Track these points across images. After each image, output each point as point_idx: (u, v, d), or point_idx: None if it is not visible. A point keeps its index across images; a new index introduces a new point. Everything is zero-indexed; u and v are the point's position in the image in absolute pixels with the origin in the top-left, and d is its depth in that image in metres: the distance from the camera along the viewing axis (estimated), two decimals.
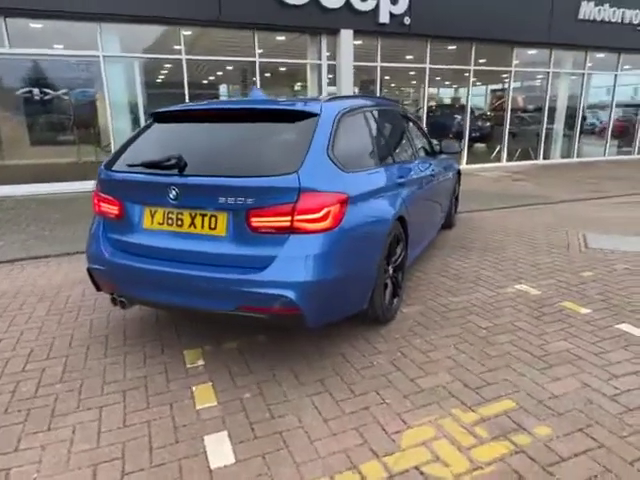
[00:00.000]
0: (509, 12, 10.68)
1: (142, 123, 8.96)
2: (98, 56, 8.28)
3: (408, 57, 10.97)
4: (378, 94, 10.45)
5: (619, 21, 11.97)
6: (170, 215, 2.60)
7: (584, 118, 13.58)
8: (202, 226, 2.53)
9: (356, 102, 3.23)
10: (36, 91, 8.32)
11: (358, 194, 2.64)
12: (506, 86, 12.09)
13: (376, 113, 3.48)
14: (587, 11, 11.51)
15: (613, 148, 14.22)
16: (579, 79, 12.86)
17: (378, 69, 10.32)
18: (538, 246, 5.01)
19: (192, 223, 2.55)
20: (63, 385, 2.56)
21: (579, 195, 8.13)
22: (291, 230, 2.37)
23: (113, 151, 3.01)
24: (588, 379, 2.47)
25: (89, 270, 2.91)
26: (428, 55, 10.70)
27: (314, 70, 10.03)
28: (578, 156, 13.47)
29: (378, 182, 2.99)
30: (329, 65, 9.87)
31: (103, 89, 8.45)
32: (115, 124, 8.69)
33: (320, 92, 9.97)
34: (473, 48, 11.10)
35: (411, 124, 4.42)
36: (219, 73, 11.03)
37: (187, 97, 8.93)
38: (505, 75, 12.31)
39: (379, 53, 10.23)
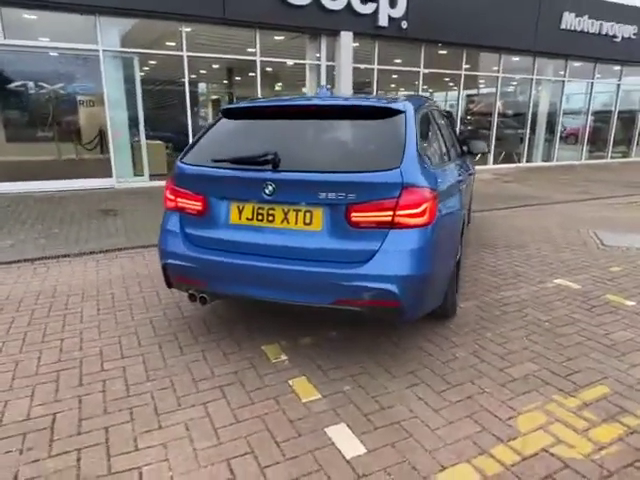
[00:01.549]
0: (499, 20, 11.05)
1: (143, 121, 8.76)
2: (97, 50, 8.03)
3: (401, 61, 11.16)
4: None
5: (597, 32, 12.60)
6: (260, 211, 2.60)
7: (562, 124, 14.20)
8: (296, 221, 2.54)
9: (417, 101, 3.31)
10: (31, 84, 7.99)
11: (442, 190, 2.71)
12: (486, 91, 12.50)
13: (433, 112, 3.57)
14: (569, 21, 12.06)
15: (587, 153, 14.92)
16: (559, 86, 13.45)
17: (375, 71, 10.47)
18: (557, 244, 5.24)
19: (285, 218, 2.55)
20: (153, 384, 2.50)
21: (573, 196, 8.52)
22: (391, 225, 2.41)
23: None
24: None
25: (165, 266, 2.85)
26: (422, 59, 10.95)
27: (313, 71, 10.07)
28: (557, 160, 14.07)
29: (451, 179, 3.08)
30: (328, 66, 9.92)
31: (102, 84, 8.20)
32: (112, 120, 8.45)
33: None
34: (464, 54, 11.44)
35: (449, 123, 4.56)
36: (213, 68, 10.90)
37: (188, 94, 8.79)
38: (482, 80, 12.79)
39: (376, 56, 10.38)
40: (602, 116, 15.11)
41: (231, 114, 3.01)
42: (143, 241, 5.20)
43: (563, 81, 13.34)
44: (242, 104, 3.07)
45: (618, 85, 14.43)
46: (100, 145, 8.91)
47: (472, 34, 10.88)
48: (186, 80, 8.77)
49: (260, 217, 2.61)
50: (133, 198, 7.79)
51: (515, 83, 13.61)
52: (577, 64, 13.39)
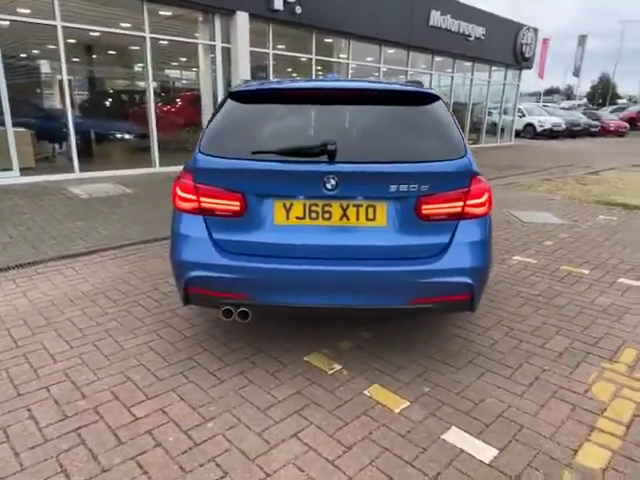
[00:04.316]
0: (381, 14, 11.59)
1: (7, 103, 7.14)
2: None
3: (295, 46, 11.01)
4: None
5: (456, 31, 14.05)
6: (314, 208, 2.31)
7: None
8: (357, 218, 2.32)
9: None
10: None
11: None
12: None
13: None
14: (435, 19, 13.21)
15: None
16: (427, 79, 14.71)
17: (270, 56, 10.15)
18: None
19: (344, 215, 2.31)
20: (216, 425, 2.08)
21: None
22: (461, 216, 2.36)
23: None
24: None
25: (189, 281, 2.37)
26: (314, 46, 10.96)
27: (207, 52, 9.35)
28: None
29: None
30: (223, 48, 9.30)
31: None
32: None
33: (215, 75, 9.35)
34: (350, 44, 11.76)
35: None
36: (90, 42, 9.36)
37: (64, 72, 7.43)
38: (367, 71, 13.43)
39: (271, 40, 10.06)
40: (460, 107, 16.99)
41: (247, 98, 2.59)
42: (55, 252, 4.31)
43: (430, 74, 14.64)
44: (261, 86, 2.67)
45: (471, 80, 16.37)
46: None
47: (357, 25, 11.23)
48: (62, 56, 7.38)
49: (314, 215, 2.31)
50: (8, 199, 6.37)
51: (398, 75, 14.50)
52: (439, 59, 14.80)
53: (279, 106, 2.57)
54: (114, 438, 1.97)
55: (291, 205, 2.31)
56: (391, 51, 13.24)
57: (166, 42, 8.73)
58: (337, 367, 2.54)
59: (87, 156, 8.38)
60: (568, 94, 65.54)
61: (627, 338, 2.88)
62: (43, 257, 4.20)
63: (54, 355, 2.62)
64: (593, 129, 24.06)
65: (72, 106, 7.76)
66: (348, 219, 2.32)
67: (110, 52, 9.01)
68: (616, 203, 7.10)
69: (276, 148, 2.27)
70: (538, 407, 2.22)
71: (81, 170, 7.92)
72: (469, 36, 14.53)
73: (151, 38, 8.32)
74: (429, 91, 2.61)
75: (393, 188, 2.26)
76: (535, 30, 17.44)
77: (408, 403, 2.24)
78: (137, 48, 8.41)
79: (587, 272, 4.03)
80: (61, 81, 7.63)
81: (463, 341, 2.84)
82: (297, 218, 2.32)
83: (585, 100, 55.84)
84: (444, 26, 13.52)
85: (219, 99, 9.49)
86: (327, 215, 2.31)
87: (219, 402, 2.23)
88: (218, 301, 2.39)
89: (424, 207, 2.30)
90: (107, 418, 2.09)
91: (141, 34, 8.21)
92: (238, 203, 2.31)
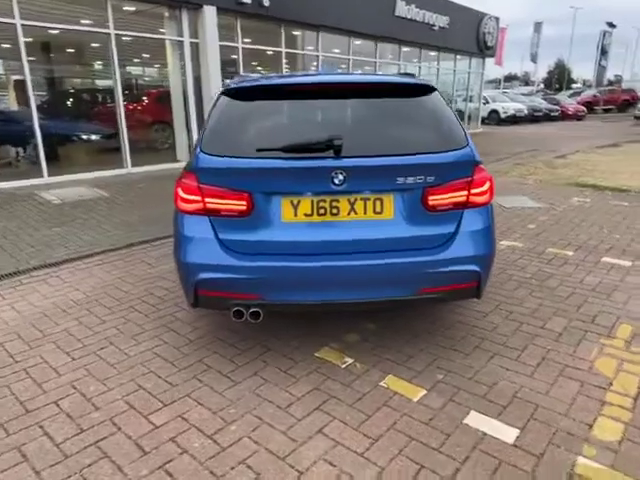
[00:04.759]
0: (349, 5, 11.56)
1: None
2: None
3: (265, 40, 10.86)
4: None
5: (422, 20, 14.18)
6: (322, 204, 2.30)
7: None
8: (365, 211, 2.33)
9: None
10: None
11: None
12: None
13: None
14: (401, 9, 13.29)
15: None
16: (395, 69, 14.82)
17: (240, 50, 9.99)
18: None
19: (352, 209, 2.32)
20: (239, 427, 2.06)
21: None
22: (465, 205, 2.40)
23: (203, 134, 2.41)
24: None
25: (198, 283, 2.33)
26: (283, 39, 10.85)
27: (175, 48, 9.11)
28: None
29: None
30: (192, 43, 9.09)
31: None
32: None
33: (185, 71, 9.12)
34: (319, 36, 11.70)
35: None
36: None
37: (27, 69, 7.10)
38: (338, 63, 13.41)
39: (240, 33, 9.90)
40: None
41: (245, 94, 2.55)
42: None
43: (398, 64, 14.75)
44: (259, 82, 2.65)
45: (437, 69, 16.59)
46: None
47: (326, 17, 11.17)
48: (23, 55, 7.05)
49: (322, 211, 2.31)
50: None
51: (364, 66, 14.52)
52: (406, 49, 14.92)
53: (279, 102, 2.54)
54: (137, 448, 1.93)
55: (298, 202, 2.30)
56: (359, 42, 13.24)
57: (132, 38, 8.46)
58: (349, 361, 2.55)
59: (55, 159, 8.05)
60: (526, 80, 67.42)
61: (620, 314, 3.01)
62: (26, 266, 4.03)
63: (57, 368, 2.53)
64: (553, 114, 24.83)
65: (38, 108, 7.42)
66: (356, 213, 2.32)
67: (74, 50, 8.65)
68: (586, 184, 7.38)
69: (281, 145, 2.24)
70: (548, 386, 2.30)
71: (50, 174, 7.60)
72: (434, 26, 14.69)
73: (116, 35, 8.04)
74: (427, 82, 2.64)
75: (400, 180, 2.28)
76: (497, 19, 17.81)
77: (425, 391, 2.28)
78: (102, 45, 8.11)
79: (571, 253, 4.18)
80: (23, 81, 7.27)
81: (466, 327, 2.90)
82: (305, 215, 2.31)
83: (542, 86, 57.61)
84: (409, 16, 13.61)
85: (190, 95, 9.29)
86: (335, 210, 2.31)
87: (238, 404, 2.21)
88: (229, 302, 2.36)
89: (430, 198, 2.33)
90: (126, 429, 2.04)
91: (106, 31, 7.92)
92: (245, 202, 2.28)
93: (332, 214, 2.32)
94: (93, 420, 2.10)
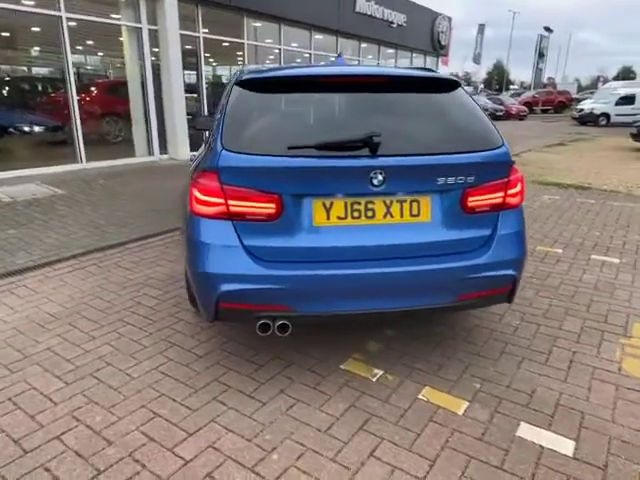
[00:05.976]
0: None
1: None
2: None
3: (227, 30, 10.42)
4: (202, 66, 9.71)
5: (381, 17, 14.23)
6: (356, 206, 2.13)
7: None
8: (401, 214, 2.18)
9: None
10: None
11: None
12: None
13: None
14: (361, 5, 13.25)
15: None
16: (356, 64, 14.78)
17: (201, 40, 9.52)
18: None
19: (388, 212, 2.16)
20: (282, 456, 1.85)
21: None
22: (501, 207, 2.31)
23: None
24: None
25: (221, 296, 2.09)
26: (245, 30, 10.47)
27: (132, 35, 8.51)
28: None
29: None
30: (150, 30, 8.54)
31: None
32: None
33: (143, 60, 8.55)
34: (281, 29, 11.40)
35: None
36: None
37: None
38: (299, 58, 13.17)
39: (200, 23, 9.43)
40: None
41: (264, 86, 2.32)
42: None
43: (358, 60, 14.72)
44: (279, 73, 2.42)
45: (395, 66, 16.72)
46: None
47: (288, 9, 10.91)
48: None
49: (356, 214, 2.14)
50: None
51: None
52: (365, 45, 14.93)
53: (303, 95, 2.33)
54: None
55: (331, 204, 2.11)
56: (320, 37, 13.08)
57: (86, 23, 7.78)
58: (379, 372, 2.40)
59: None
60: (467, 80, 70.09)
61: (629, 312, 3.05)
62: None
63: (50, 395, 2.19)
64: (498, 113, 25.82)
65: None
66: (392, 216, 2.17)
67: (18, 34, 7.81)
68: (549, 183, 7.65)
69: (314, 142, 2.04)
70: (586, 391, 2.26)
71: None
72: (392, 23, 14.80)
73: (67, 18, 7.38)
74: (454, 78, 2.52)
75: (441, 181, 2.15)
76: (449, 19, 18.24)
77: (467, 403, 2.17)
78: (52, 29, 7.41)
79: (561, 251, 4.26)
80: None
81: (486, 331, 2.84)
82: (338, 218, 2.13)
83: (482, 86, 60.00)
84: (369, 12, 13.62)
85: (148, 85, 8.73)
86: (370, 213, 2.14)
87: (272, 428, 2.00)
88: (255, 315, 2.13)
89: (470, 199, 2.22)
90: (151, 466, 1.78)
91: (56, 13, 7.25)
92: (274, 205, 2.06)
93: (367, 217, 2.15)
94: (110, 458, 1.82)
